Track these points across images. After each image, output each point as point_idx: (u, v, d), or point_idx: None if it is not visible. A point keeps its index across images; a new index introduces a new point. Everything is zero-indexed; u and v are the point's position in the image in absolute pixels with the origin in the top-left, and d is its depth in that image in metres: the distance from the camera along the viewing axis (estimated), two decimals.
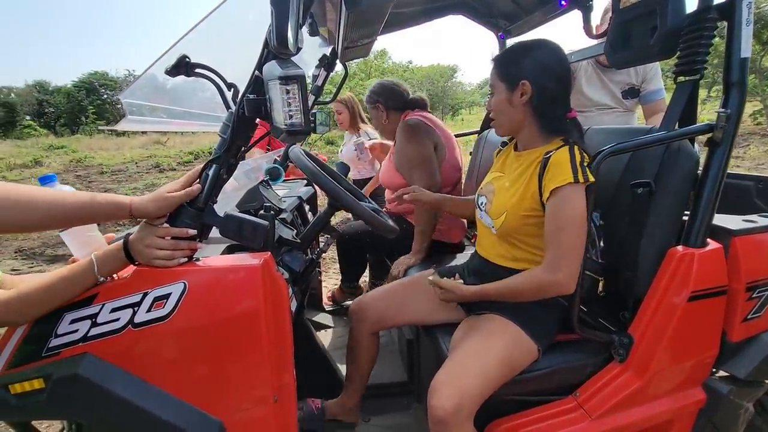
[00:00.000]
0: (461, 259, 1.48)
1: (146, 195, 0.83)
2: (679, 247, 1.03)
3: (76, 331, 0.83)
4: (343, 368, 1.68)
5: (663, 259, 1.05)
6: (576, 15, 1.61)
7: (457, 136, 2.38)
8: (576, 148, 1.01)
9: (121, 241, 0.83)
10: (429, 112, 1.92)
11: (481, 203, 1.20)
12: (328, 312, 2.24)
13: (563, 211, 0.97)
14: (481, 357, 1.00)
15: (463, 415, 0.94)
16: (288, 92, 0.64)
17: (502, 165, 1.23)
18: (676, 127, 1.04)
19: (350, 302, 2.10)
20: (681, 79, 1.04)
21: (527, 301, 1.05)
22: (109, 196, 0.82)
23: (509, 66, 1.08)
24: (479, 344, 1.03)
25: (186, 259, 0.85)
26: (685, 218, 1.06)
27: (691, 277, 1.01)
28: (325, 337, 1.99)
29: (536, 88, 1.04)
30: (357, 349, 1.35)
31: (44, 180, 0.86)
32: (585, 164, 0.98)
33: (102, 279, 0.83)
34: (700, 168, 1.05)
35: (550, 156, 1.01)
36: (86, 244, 0.91)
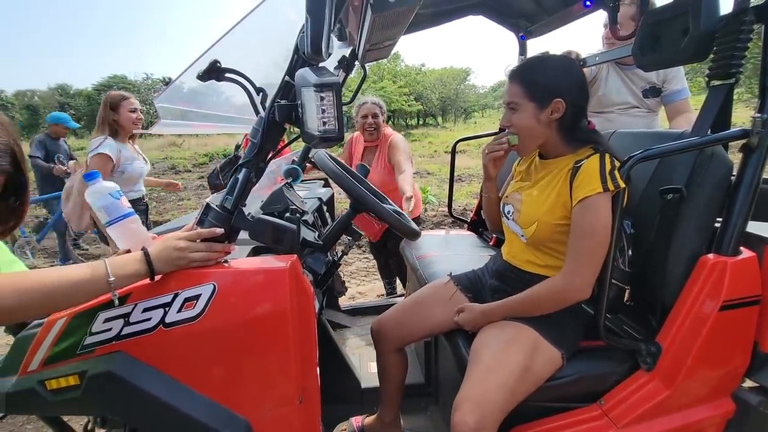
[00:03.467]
0: (467, 259, 1.45)
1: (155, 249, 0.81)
2: (711, 255, 1.01)
3: (110, 329, 0.85)
4: (358, 367, 1.68)
5: (694, 267, 1.02)
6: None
7: (466, 139, 2.40)
8: (607, 156, 1.00)
9: (140, 252, 0.81)
10: None
11: (508, 212, 1.19)
12: (345, 312, 2.25)
13: (587, 219, 0.97)
14: (502, 369, 0.99)
15: (485, 430, 0.94)
16: (323, 99, 0.64)
17: (527, 173, 1.21)
18: (709, 132, 1.01)
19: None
20: (715, 82, 1.02)
21: (548, 311, 1.04)
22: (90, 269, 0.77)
23: (537, 83, 1.04)
24: (499, 355, 1.02)
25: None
26: (717, 225, 1.03)
27: (723, 286, 0.98)
28: (341, 337, 2.00)
29: (570, 105, 1.03)
30: (386, 369, 1.35)
31: (88, 177, 0.89)
32: (615, 171, 0.97)
33: (114, 294, 0.78)
34: (733, 174, 1.02)
35: (581, 165, 1.00)
36: (130, 237, 0.92)
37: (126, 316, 0.85)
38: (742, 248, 1.02)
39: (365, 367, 1.75)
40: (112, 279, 0.75)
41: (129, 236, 0.92)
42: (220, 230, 0.85)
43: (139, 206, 2.54)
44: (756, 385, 1.10)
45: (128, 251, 0.91)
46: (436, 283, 1.36)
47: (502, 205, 1.24)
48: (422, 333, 1.31)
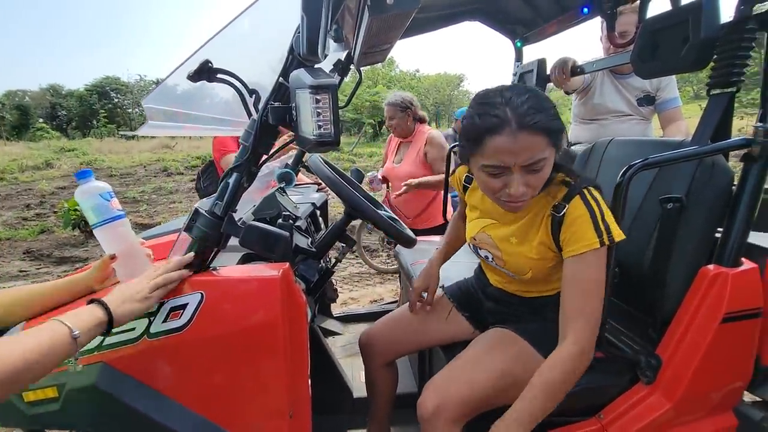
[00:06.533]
0: (462, 267, 1.42)
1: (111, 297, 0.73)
2: (711, 267, 0.99)
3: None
4: (350, 376, 1.64)
5: (694, 278, 1.00)
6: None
7: (460, 145, 2.40)
8: (588, 195, 0.87)
9: (97, 306, 0.70)
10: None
11: (486, 257, 1.07)
12: (337, 318, 2.21)
13: (585, 275, 0.86)
14: (475, 367, 0.99)
15: (444, 417, 0.94)
16: (318, 102, 0.61)
17: (483, 208, 1.07)
18: (709, 141, 1.00)
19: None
20: (715, 91, 1.01)
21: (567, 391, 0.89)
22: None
23: (552, 121, 0.82)
24: (478, 354, 1.02)
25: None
26: (718, 236, 1.02)
27: (724, 298, 0.96)
28: (333, 345, 1.96)
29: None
30: (375, 384, 1.31)
31: (80, 176, 0.85)
32: (606, 216, 0.86)
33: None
34: (734, 184, 1.01)
35: (563, 213, 0.88)
36: (118, 241, 0.89)
37: None
38: (743, 259, 1.00)
39: (357, 376, 1.71)
40: (77, 333, 0.64)
41: (117, 240, 0.89)
42: (189, 257, 0.82)
43: None
44: (758, 399, 1.09)
45: (113, 257, 0.87)
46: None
47: (471, 246, 1.12)
48: (414, 348, 1.27)
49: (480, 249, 1.09)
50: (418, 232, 2.45)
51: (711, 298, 0.97)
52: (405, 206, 2.45)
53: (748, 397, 1.12)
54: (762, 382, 1.06)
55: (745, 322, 0.98)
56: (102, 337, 0.81)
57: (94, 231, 0.88)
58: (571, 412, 1.08)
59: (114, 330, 0.80)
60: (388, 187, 2.59)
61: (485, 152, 0.84)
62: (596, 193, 0.89)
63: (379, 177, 2.54)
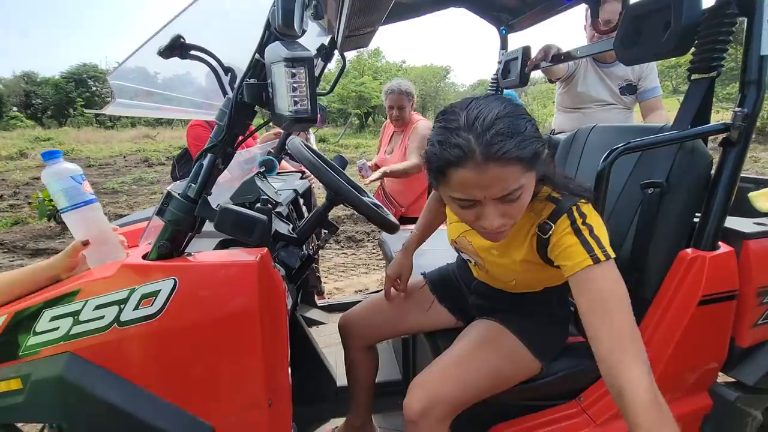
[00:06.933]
0: (443, 253, 1.41)
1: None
2: (690, 250, 1.00)
3: (57, 329, 0.78)
4: (334, 365, 1.63)
5: (673, 262, 1.02)
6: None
7: None
8: (576, 214, 0.79)
9: None
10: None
11: (469, 261, 1.06)
12: (321, 308, 2.19)
13: (596, 291, 0.73)
14: (466, 365, 0.96)
15: (431, 417, 0.91)
16: (294, 76, 0.59)
17: None
18: (689, 126, 1.01)
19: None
20: (695, 76, 1.01)
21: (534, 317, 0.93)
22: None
23: (525, 143, 0.69)
24: (469, 352, 0.99)
25: None
26: (696, 220, 1.03)
27: (701, 281, 0.98)
28: (317, 334, 1.94)
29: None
30: (354, 367, 1.29)
31: (48, 156, 0.81)
32: (596, 234, 0.76)
33: None
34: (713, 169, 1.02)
35: (549, 235, 0.81)
36: (89, 226, 0.85)
37: (75, 314, 0.77)
38: (720, 243, 1.02)
39: (341, 365, 1.70)
40: None
41: (88, 225, 0.85)
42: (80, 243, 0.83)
43: None
44: (732, 380, 1.11)
45: (87, 242, 0.83)
46: (411, 285, 1.27)
47: (454, 247, 1.08)
48: (394, 332, 1.26)
49: (462, 252, 1.06)
50: (414, 220, 2.46)
51: (689, 281, 0.99)
52: (398, 195, 2.45)
53: (722, 378, 1.15)
54: (736, 363, 1.08)
55: (721, 305, 1.00)
56: (69, 327, 0.77)
57: (63, 216, 0.84)
58: (552, 396, 1.09)
59: (81, 318, 0.77)
60: None
61: (451, 185, 0.73)
62: (586, 209, 0.80)
63: (369, 164, 2.51)
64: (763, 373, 1.05)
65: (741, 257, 1.01)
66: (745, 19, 0.93)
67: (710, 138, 1.03)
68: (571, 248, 0.77)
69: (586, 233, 0.76)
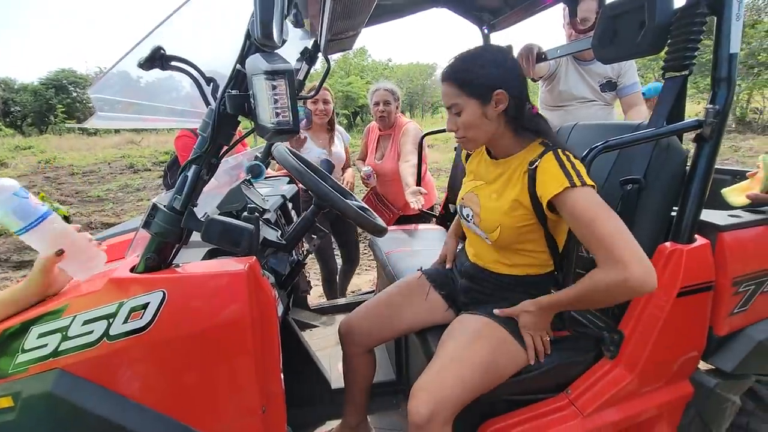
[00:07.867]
0: (436, 253, 1.44)
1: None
2: (668, 244, 1.04)
3: (45, 345, 0.77)
4: (328, 368, 1.64)
5: (652, 256, 1.05)
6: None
7: (432, 132, 2.42)
8: (560, 152, 0.95)
9: None
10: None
11: (467, 215, 1.14)
12: (314, 311, 2.20)
13: (578, 209, 0.89)
14: (462, 362, 0.98)
15: (439, 420, 0.93)
16: (275, 88, 0.59)
17: (477, 171, 1.17)
18: (665, 123, 1.04)
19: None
20: (669, 74, 1.04)
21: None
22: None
23: (474, 79, 0.98)
24: (462, 348, 1.01)
25: None
26: (674, 214, 1.06)
27: (680, 273, 1.01)
28: (310, 337, 1.95)
29: (511, 94, 0.98)
30: (354, 372, 1.30)
31: None
32: (577, 167, 0.92)
33: None
34: (688, 164, 1.05)
35: (536, 166, 0.96)
36: (56, 238, 0.80)
37: (64, 329, 0.77)
38: (696, 236, 1.05)
39: (335, 367, 1.71)
40: None
41: (55, 240, 0.79)
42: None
43: None
44: (712, 367, 1.15)
45: (61, 252, 0.79)
46: (407, 279, 1.33)
47: (459, 207, 1.19)
48: (394, 333, 1.28)
49: (464, 207, 1.16)
50: (410, 219, 2.46)
51: (668, 274, 1.02)
52: (392, 197, 2.45)
53: (702, 365, 1.18)
54: (715, 351, 1.12)
55: (698, 296, 1.04)
56: (57, 343, 0.77)
57: (21, 237, 0.77)
58: (540, 389, 1.11)
59: (70, 334, 0.77)
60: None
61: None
62: (569, 153, 0.96)
63: (372, 171, 2.50)
64: (740, 360, 1.09)
65: (716, 249, 1.05)
66: (715, 18, 0.96)
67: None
68: (552, 174, 0.92)
69: (568, 166, 0.92)
